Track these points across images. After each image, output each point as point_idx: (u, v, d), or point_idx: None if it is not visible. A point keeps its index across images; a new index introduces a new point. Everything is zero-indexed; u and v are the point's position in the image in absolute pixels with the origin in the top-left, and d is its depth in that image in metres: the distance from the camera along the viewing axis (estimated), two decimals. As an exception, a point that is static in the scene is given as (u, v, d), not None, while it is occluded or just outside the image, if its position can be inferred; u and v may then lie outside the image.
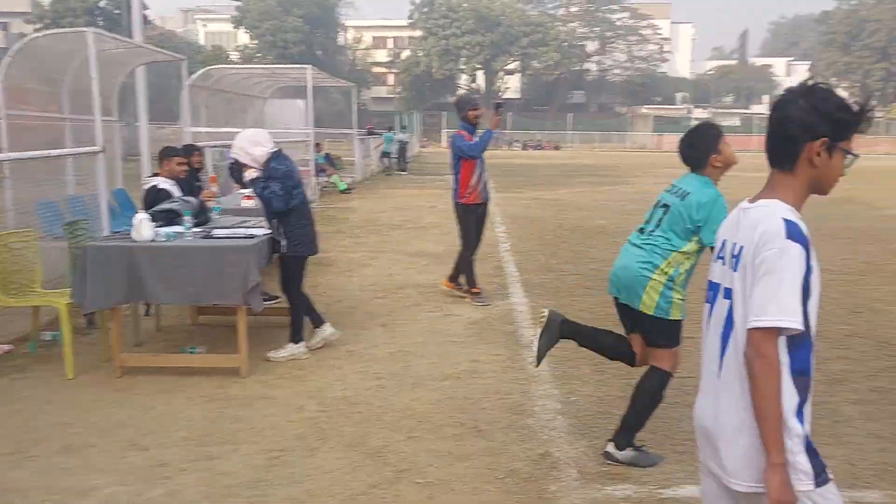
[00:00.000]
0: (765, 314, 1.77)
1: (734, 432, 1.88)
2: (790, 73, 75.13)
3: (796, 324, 1.74)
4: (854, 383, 4.87)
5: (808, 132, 1.84)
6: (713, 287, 2.03)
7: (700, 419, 2.03)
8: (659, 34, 65.37)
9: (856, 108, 1.84)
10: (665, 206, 3.51)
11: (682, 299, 3.51)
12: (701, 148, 3.48)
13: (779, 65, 75.98)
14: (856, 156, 1.88)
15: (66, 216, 6.66)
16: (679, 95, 67.12)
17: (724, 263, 1.98)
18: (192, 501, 3.34)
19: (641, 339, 3.65)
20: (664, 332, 3.52)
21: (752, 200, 1.95)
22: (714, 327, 2.00)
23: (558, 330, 3.70)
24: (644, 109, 62.23)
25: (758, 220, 1.86)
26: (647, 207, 3.74)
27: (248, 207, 6.56)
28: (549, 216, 13.53)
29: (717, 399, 1.95)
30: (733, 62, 77.02)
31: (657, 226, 3.49)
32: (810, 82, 1.88)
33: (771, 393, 1.77)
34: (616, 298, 3.66)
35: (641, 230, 3.59)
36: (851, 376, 4.99)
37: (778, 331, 1.77)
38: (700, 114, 61.48)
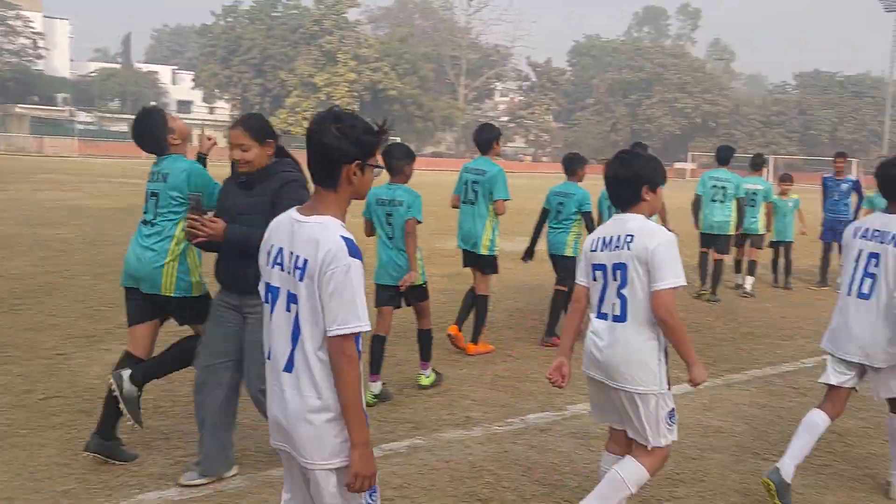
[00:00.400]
0: (347, 323, 2.31)
1: (303, 420, 2.38)
2: (176, 82, 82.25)
3: (368, 326, 2.35)
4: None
5: (344, 157, 2.40)
6: (273, 290, 2.49)
7: (272, 410, 2.50)
8: (31, 27, 64.04)
9: (376, 129, 2.46)
10: (154, 193, 4.23)
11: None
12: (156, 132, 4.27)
13: (165, 72, 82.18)
14: (381, 167, 2.57)
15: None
16: (60, 96, 66.89)
17: (283, 270, 2.45)
18: None
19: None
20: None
21: (304, 213, 2.47)
22: (281, 329, 2.45)
23: (136, 388, 4.12)
24: (19, 109, 60.33)
25: (317, 237, 2.37)
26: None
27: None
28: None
29: (286, 392, 2.42)
30: (117, 66, 79.89)
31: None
32: (336, 109, 2.46)
33: (355, 384, 2.33)
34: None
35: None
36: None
37: (356, 334, 2.33)
38: (85, 117, 62.65)
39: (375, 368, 5.49)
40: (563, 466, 4.43)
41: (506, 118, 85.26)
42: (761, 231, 10.47)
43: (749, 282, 10.46)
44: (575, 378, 5.70)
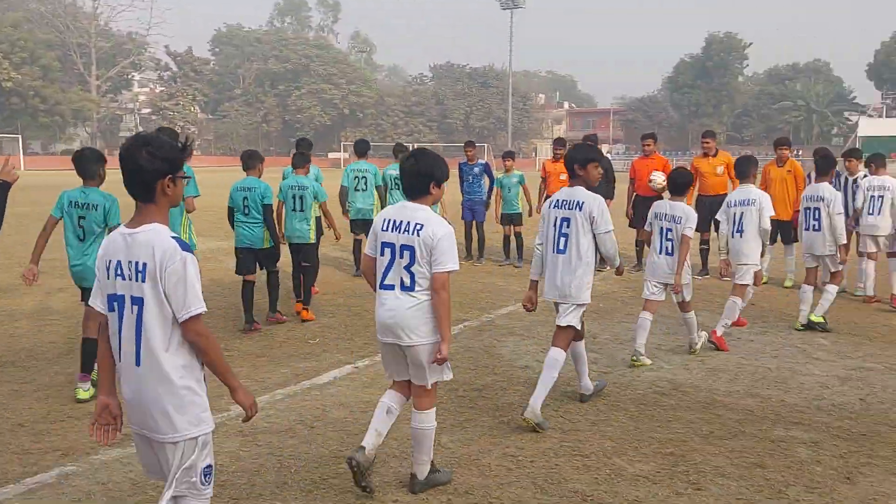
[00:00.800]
0: (192, 306, 2.79)
1: (156, 403, 2.82)
2: None
3: (205, 308, 2.87)
4: None
5: (157, 174, 2.82)
6: (118, 298, 2.87)
7: (128, 397, 2.90)
8: None
9: (180, 146, 2.94)
10: None
11: None
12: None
13: None
14: (189, 176, 3.40)
15: None
16: None
17: (124, 279, 2.84)
18: None
19: None
20: None
21: (133, 227, 2.87)
22: (128, 330, 2.85)
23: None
24: None
25: (152, 242, 2.80)
26: None
27: None
28: None
29: (136, 383, 2.86)
30: None
31: None
32: (143, 134, 2.92)
33: (216, 351, 2.90)
34: None
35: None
36: None
37: (199, 315, 2.83)
38: None
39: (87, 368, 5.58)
40: (230, 465, 4.46)
41: (148, 110, 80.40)
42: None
43: None
44: (241, 376, 5.72)
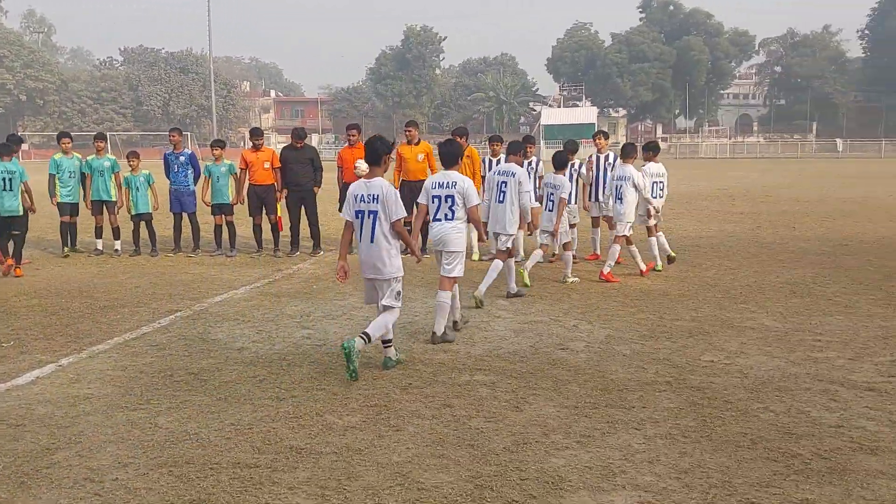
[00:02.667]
0: (396, 215, 6.03)
1: (379, 259, 6.04)
2: None
3: (404, 214, 6.17)
4: None
5: (386, 151, 6.13)
6: (360, 213, 6.11)
7: (364, 259, 6.14)
8: None
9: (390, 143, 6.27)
10: None
11: None
12: None
13: None
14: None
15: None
16: None
17: (365, 202, 6.06)
18: None
19: None
20: None
21: (367, 179, 6.13)
22: (367, 227, 6.07)
23: None
24: None
25: (381, 184, 6.07)
26: None
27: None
28: None
29: (372, 250, 6.06)
30: None
31: None
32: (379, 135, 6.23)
33: (407, 237, 6.27)
34: None
35: None
36: None
37: (401, 219, 6.05)
38: None
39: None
40: (-74, 472, 4.28)
41: None
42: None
43: None
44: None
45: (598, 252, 11.70)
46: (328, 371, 6.08)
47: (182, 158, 12.18)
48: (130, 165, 12.21)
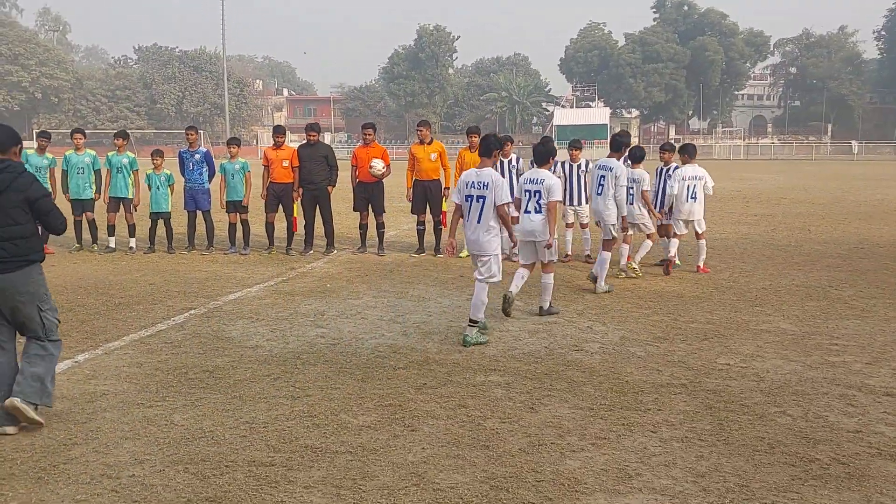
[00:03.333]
0: (502, 200, 6.87)
1: (483, 237, 6.99)
2: None
3: (509, 199, 7.09)
4: None
5: (497, 147, 7.25)
6: (470, 197, 7.01)
7: (471, 238, 7.06)
8: None
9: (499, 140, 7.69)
10: None
11: None
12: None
13: None
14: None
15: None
16: None
17: (476, 188, 6.97)
18: None
19: None
20: None
21: (479, 168, 7.10)
22: (476, 210, 6.98)
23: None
24: None
25: (490, 173, 6.99)
26: None
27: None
28: None
29: (478, 230, 6.98)
30: None
31: None
32: (495, 133, 7.39)
33: (508, 220, 7.11)
34: None
35: None
36: None
37: (505, 203, 6.90)
38: None
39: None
40: (-55, 467, 4.32)
41: None
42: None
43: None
44: None
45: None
46: (342, 370, 6.09)
47: (197, 156, 12.23)
48: (154, 163, 12.30)
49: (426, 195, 11.90)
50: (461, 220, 7.28)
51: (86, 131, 13.07)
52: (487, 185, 6.90)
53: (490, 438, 4.71)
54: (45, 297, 4.99)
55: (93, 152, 12.55)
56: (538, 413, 5.15)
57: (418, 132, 12.09)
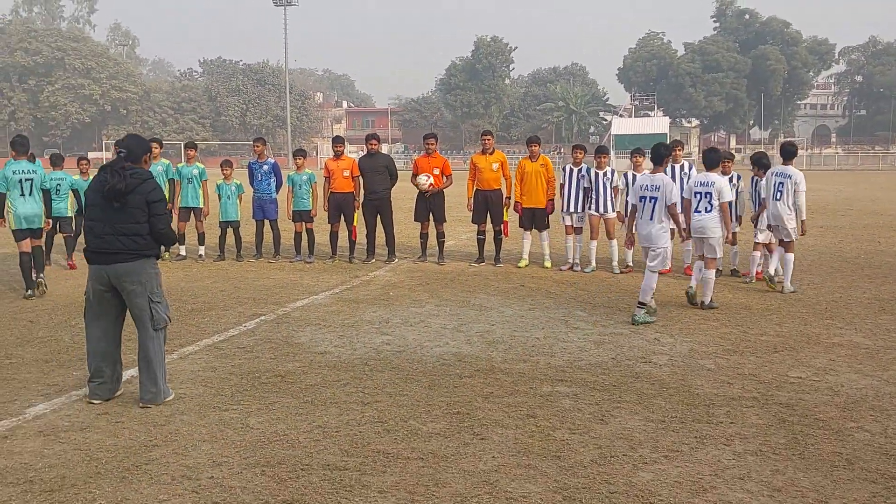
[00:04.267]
0: (672, 200, 8.13)
1: (655, 233, 8.21)
2: None
3: (677, 200, 8.35)
4: None
5: (667, 155, 8.59)
6: (643, 198, 8.26)
7: (643, 233, 8.34)
8: None
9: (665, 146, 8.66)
10: None
11: None
12: None
13: None
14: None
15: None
16: None
17: (650, 190, 8.19)
18: None
19: None
20: None
21: (652, 173, 8.34)
22: (648, 209, 8.21)
23: None
24: None
25: (662, 178, 8.24)
26: None
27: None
28: None
29: (650, 226, 8.23)
30: None
31: None
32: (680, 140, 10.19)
33: (678, 217, 8.46)
34: None
35: None
36: None
37: (675, 203, 8.21)
38: None
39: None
40: (36, 463, 4.49)
41: None
42: (68, 214, 12.15)
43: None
44: (30, 382, 5.72)
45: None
46: (410, 377, 6.13)
47: (265, 167, 12.48)
48: (224, 174, 12.64)
49: (487, 205, 11.92)
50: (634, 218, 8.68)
51: (162, 141, 13.44)
52: (659, 188, 8.17)
53: (560, 449, 4.69)
54: (157, 291, 5.54)
55: (167, 161, 12.88)
56: (608, 424, 5.11)
57: (483, 140, 12.09)
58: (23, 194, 9.47)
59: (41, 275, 9.77)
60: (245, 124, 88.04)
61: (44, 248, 10.49)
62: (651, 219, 8.25)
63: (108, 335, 5.57)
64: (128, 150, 5.52)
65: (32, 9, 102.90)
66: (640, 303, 8.10)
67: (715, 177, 8.86)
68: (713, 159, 9.14)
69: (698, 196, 8.83)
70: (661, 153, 8.42)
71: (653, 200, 8.22)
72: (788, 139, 10.53)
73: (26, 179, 9.49)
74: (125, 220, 5.39)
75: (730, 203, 9.00)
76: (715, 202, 8.71)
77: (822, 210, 22.66)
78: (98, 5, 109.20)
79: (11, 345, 7.20)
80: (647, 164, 11.47)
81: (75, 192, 12.15)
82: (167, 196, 12.64)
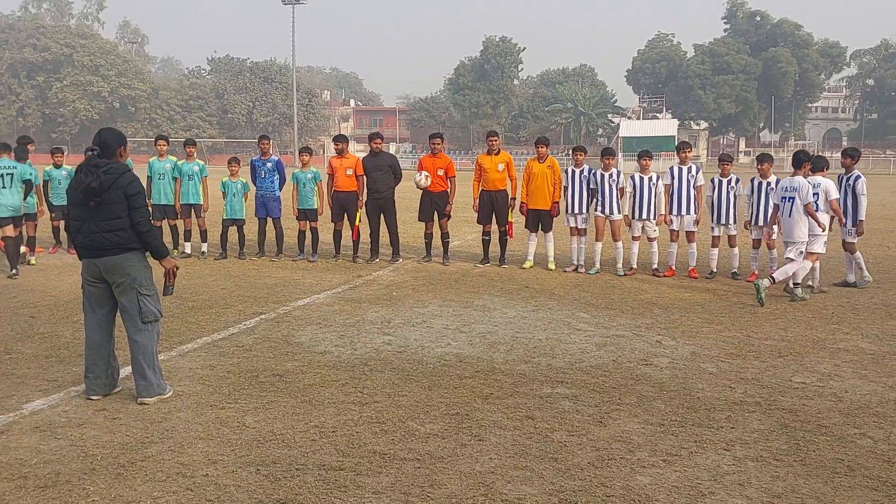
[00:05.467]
0: (810, 199, 9.16)
1: (796, 228, 9.29)
2: None
3: (811, 201, 9.28)
4: None
5: (806, 157, 9.69)
6: (784, 199, 9.42)
7: (785, 228, 9.41)
8: None
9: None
10: None
11: None
12: None
13: None
14: None
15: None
16: None
17: (789, 191, 9.35)
18: None
19: None
20: None
21: (792, 176, 9.43)
22: (787, 207, 9.34)
23: None
24: None
25: (799, 181, 9.34)
26: None
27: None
28: None
29: (789, 222, 9.32)
30: None
31: None
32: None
33: (815, 212, 9.27)
34: None
35: None
36: None
37: (810, 203, 9.19)
38: None
39: None
40: (31, 459, 4.49)
41: None
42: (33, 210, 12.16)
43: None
44: (29, 377, 5.71)
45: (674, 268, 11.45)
46: (409, 378, 6.11)
47: (269, 165, 12.48)
48: (231, 170, 12.61)
49: (493, 205, 11.89)
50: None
51: (169, 138, 13.45)
52: (796, 189, 9.30)
53: (558, 451, 4.66)
54: (147, 284, 5.55)
55: (174, 158, 12.88)
56: (607, 427, 5.08)
57: (489, 142, 12.07)
58: (4, 187, 10.95)
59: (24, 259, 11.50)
60: (252, 122, 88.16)
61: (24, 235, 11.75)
62: (790, 216, 9.37)
63: (101, 327, 5.59)
64: (102, 146, 5.50)
65: (41, 5, 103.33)
66: (794, 283, 9.31)
67: (819, 179, 9.65)
68: (818, 165, 9.94)
69: (783, 201, 9.54)
70: (801, 158, 9.69)
71: (791, 200, 9.37)
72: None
73: (7, 174, 10.96)
74: (106, 216, 5.41)
75: (716, 203, 10.59)
76: (822, 203, 9.55)
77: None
78: (107, 2, 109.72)
79: (12, 340, 7.22)
80: (654, 166, 11.48)
81: (28, 182, 11.51)
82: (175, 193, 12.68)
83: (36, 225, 12.41)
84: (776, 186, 10.03)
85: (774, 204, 9.85)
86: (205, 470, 4.37)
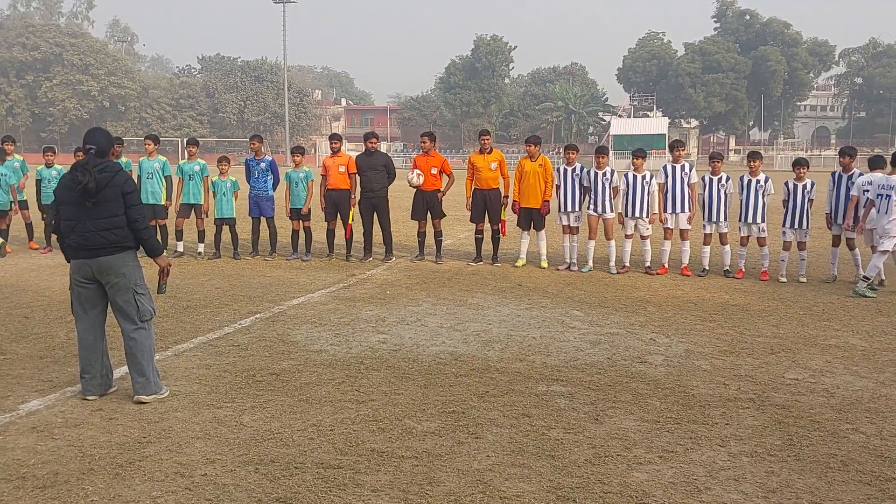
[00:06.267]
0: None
1: (889, 224, 9.64)
2: None
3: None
4: None
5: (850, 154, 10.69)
6: (880, 196, 9.70)
7: (876, 225, 9.79)
8: None
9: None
10: None
11: None
12: None
13: None
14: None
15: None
16: None
17: (885, 189, 9.60)
18: None
19: None
20: None
21: (889, 175, 9.73)
22: (884, 203, 9.60)
23: None
24: None
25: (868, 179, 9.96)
26: None
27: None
28: None
29: (884, 217, 9.62)
30: None
31: None
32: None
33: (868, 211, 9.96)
34: None
35: None
36: None
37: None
38: None
39: None
40: (29, 459, 4.48)
41: None
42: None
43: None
44: (24, 377, 5.70)
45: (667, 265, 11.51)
46: (405, 376, 6.13)
47: (262, 165, 12.46)
48: (220, 169, 12.56)
49: (485, 204, 11.92)
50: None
51: (159, 137, 13.38)
52: (894, 187, 9.59)
53: (555, 448, 4.69)
54: (141, 283, 5.61)
55: (164, 158, 12.83)
56: (603, 424, 5.11)
57: (481, 140, 12.09)
58: None
59: None
60: (243, 121, 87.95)
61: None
62: (886, 212, 9.67)
63: (94, 327, 5.60)
64: (97, 146, 5.50)
65: (31, 4, 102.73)
66: (864, 276, 9.74)
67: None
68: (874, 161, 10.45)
69: (879, 198, 9.82)
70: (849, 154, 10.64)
71: (888, 198, 9.65)
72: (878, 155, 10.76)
73: None
74: (103, 214, 5.42)
75: (708, 201, 10.79)
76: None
77: (819, 211, 22.64)
78: (97, 1, 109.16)
79: (6, 340, 7.20)
80: (646, 165, 11.52)
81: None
82: (164, 194, 12.64)
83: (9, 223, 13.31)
84: (859, 183, 10.26)
85: (869, 200, 10.03)
86: (203, 469, 4.38)
